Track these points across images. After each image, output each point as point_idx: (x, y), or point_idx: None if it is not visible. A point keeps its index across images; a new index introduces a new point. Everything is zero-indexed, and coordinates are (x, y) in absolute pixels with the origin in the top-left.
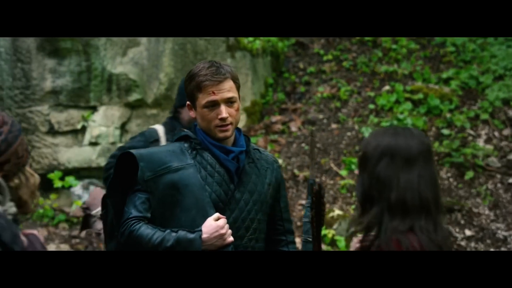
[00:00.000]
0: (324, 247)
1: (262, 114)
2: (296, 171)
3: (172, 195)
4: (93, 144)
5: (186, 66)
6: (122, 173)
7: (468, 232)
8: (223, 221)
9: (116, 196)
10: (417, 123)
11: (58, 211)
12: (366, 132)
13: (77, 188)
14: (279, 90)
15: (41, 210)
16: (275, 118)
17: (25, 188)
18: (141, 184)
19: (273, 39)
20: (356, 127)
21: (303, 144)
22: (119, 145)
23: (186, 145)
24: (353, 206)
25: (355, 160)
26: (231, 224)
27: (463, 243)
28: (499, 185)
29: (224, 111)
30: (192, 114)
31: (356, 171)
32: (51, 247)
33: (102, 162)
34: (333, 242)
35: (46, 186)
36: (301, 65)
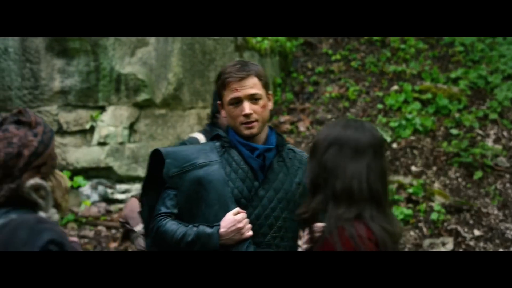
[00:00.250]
0: None
1: (271, 114)
2: None
3: (197, 191)
4: (102, 144)
5: (194, 66)
6: (155, 171)
7: (477, 232)
8: (241, 215)
9: (150, 194)
10: (425, 123)
11: (67, 211)
12: None
13: (86, 188)
14: (288, 90)
15: None
16: (284, 118)
17: (58, 191)
18: (167, 180)
19: (282, 39)
20: None
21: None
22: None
23: (217, 143)
24: None
25: None
26: (253, 221)
27: (472, 243)
28: (508, 185)
29: (247, 107)
30: (223, 113)
31: None
32: None
33: (111, 162)
34: None
35: None
36: (310, 65)
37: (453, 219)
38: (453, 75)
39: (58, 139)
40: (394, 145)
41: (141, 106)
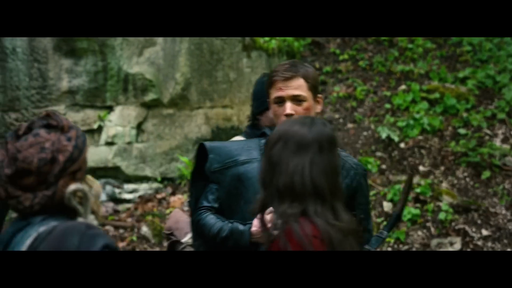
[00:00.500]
0: None
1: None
2: None
3: (237, 188)
4: (109, 144)
5: (202, 66)
6: (201, 164)
7: (484, 232)
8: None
9: (198, 185)
10: (433, 122)
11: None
12: (383, 131)
13: None
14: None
15: None
16: None
17: (93, 197)
18: (209, 175)
19: (289, 38)
20: (372, 126)
21: None
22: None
23: (262, 141)
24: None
25: (371, 159)
26: None
27: (479, 243)
28: None
29: (288, 108)
30: (271, 111)
31: (373, 171)
32: None
33: (118, 162)
34: None
35: None
36: (317, 65)
37: (461, 219)
38: (461, 74)
39: None
40: (402, 145)
41: (149, 106)
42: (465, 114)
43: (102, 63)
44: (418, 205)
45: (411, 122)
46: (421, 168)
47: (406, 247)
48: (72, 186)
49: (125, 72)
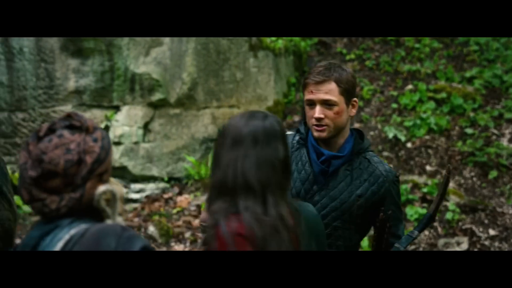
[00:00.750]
0: None
1: (285, 114)
2: None
3: None
4: (116, 143)
5: (209, 66)
6: None
7: (492, 232)
8: None
9: None
10: (440, 122)
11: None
12: (389, 131)
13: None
14: (302, 89)
15: None
16: (298, 117)
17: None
18: None
19: (296, 38)
20: (379, 126)
21: None
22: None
23: (296, 138)
24: None
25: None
26: None
27: (487, 242)
28: None
29: (318, 111)
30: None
31: None
32: None
33: (125, 161)
34: None
35: None
36: None
37: (468, 219)
38: (467, 74)
39: None
40: (409, 145)
41: (156, 105)
42: (472, 114)
43: (109, 63)
44: (425, 204)
45: (418, 121)
46: (428, 168)
47: (413, 247)
48: (102, 188)
49: (132, 72)
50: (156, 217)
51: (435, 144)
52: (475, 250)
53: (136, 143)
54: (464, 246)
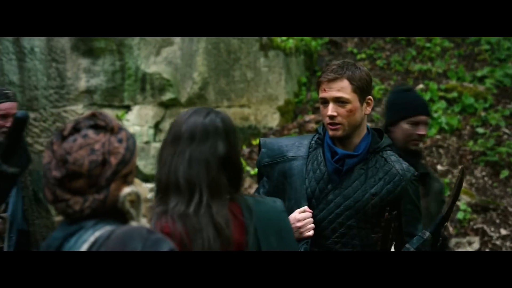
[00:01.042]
0: None
1: (296, 113)
2: None
3: (283, 183)
4: None
5: (219, 65)
6: None
7: (503, 231)
8: (303, 215)
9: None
10: (451, 121)
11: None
12: None
13: None
14: (313, 89)
15: None
16: (309, 117)
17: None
18: (260, 169)
19: (307, 38)
20: None
21: None
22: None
23: (315, 138)
24: None
25: None
26: (317, 223)
27: (498, 242)
28: None
29: (331, 109)
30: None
31: None
32: None
33: (136, 161)
34: None
35: None
36: None
37: (479, 218)
38: (479, 73)
39: None
40: (420, 144)
41: (167, 105)
42: (483, 113)
43: (120, 63)
44: None
45: (429, 121)
46: (439, 167)
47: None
48: (127, 189)
49: (143, 72)
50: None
51: (446, 144)
52: (487, 250)
53: (147, 142)
54: (476, 246)
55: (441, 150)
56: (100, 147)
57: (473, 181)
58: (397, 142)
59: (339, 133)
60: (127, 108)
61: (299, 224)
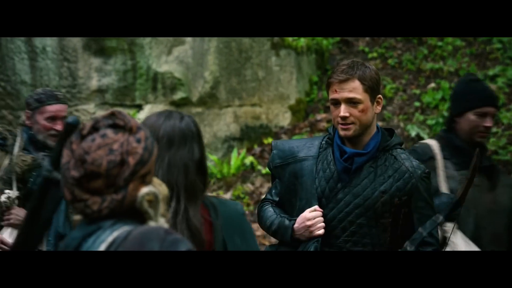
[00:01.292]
0: None
1: (307, 112)
2: None
3: (294, 184)
4: None
5: (231, 64)
6: None
7: None
8: (313, 214)
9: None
10: None
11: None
12: (412, 130)
13: None
14: (324, 88)
15: None
16: (320, 116)
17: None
18: (271, 170)
19: (318, 37)
20: (402, 124)
21: None
22: None
23: (325, 138)
24: None
25: None
26: (328, 222)
27: None
28: None
29: (343, 110)
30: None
31: None
32: None
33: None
34: None
35: None
36: None
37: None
38: (490, 72)
39: None
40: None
41: (178, 104)
42: None
43: (131, 62)
44: None
45: (441, 120)
46: None
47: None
48: (145, 189)
49: (154, 71)
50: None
51: None
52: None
53: None
54: None
55: None
56: (118, 147)
57: None
58: (462, 133)
59: (351, 133)
60: (139, 107)
61: (309, 223)
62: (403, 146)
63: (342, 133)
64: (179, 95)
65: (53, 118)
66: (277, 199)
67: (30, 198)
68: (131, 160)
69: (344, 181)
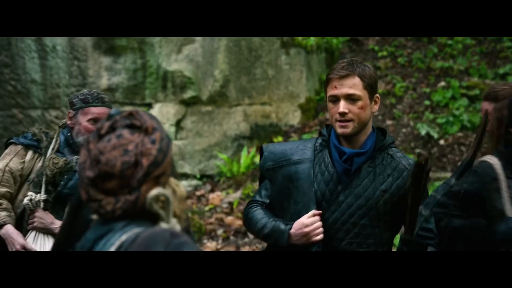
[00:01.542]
0: None
1: (317, 111)
2: None
3: (288, 187)
4: None
5: (240, 63)
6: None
7: None
8: (311, 220)
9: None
10: (473, 119)
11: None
12: (422, 128)
13: None
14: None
15: None
16: None
17: (176, 201)
18: (263, 173)
19: None
20: (412, 123)
21: None
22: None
23: (319, 140)
24: None
25: (411, 156)
26: (330, 225)
27: None
28: None
29: (342, 106)
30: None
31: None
32: None
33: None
34: None
35: None
36: None
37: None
38: (501, 70)
39: None
40: (442, 142)
41: (188, 103)
42: None
43: (141, 61)
44: None
45: (451, 118)
46: None
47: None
48: (154, 191)
49: (164, 70)
50: (189, 214)
51: (468, 141)
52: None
53: None
54: None
55: (462, 148)
56: (133, 148)
57: None
58: None
59: (349, 130)
60: (149, 106)
61: (306, 229)
62: (394, 145)
63: (340, 131)
64: (189, 93)
65: (95, 120)
66: (267, 201)
67: (68, 198)
68: (145, 162)
69: (344, 183)
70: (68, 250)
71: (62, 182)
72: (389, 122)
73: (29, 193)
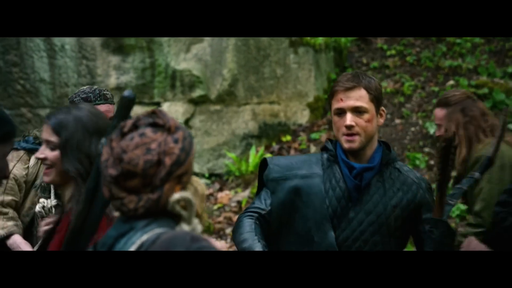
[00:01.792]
0: None
1: (325, 110)
2: None
3: (293, 201)
4: None
5: (249, 62)
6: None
7: None
8: None
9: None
10: None
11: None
12: (430, 127)
13: None
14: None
15: None
16: None
17: (197, 201)
18: (266, 183)
19: None
20: (420, 122)
21: None
22: None
23: (325, 156)
24: None
25: (419, 155)
26: (341, 243)
27: None
28: None
29: (349, 118)
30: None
31: (421, 167)
32: None
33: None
34: None
35: None
36: (364, 60)
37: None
38: (510, 69)
39: None
40: None
41: (196, 102)
42: None
43: (150, 60)
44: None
45: None
46: None
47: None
48: (176, 195)
49: (173, 69)
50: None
51: None
52: None
53: None
54: None
55: None
56: (156, 147)
57: None
58: None
59: (356, 145)
60: (157, 105)
61: None
62: (399, 159)
63: (347, 145)
64: (197, 92)
65: None
66: (268, 208)
67: (87, 179)
68: (168, 161)
69: (354, 199)
70: (84, 239)
71: None
72: (397, 121)
73: (41, 200)
